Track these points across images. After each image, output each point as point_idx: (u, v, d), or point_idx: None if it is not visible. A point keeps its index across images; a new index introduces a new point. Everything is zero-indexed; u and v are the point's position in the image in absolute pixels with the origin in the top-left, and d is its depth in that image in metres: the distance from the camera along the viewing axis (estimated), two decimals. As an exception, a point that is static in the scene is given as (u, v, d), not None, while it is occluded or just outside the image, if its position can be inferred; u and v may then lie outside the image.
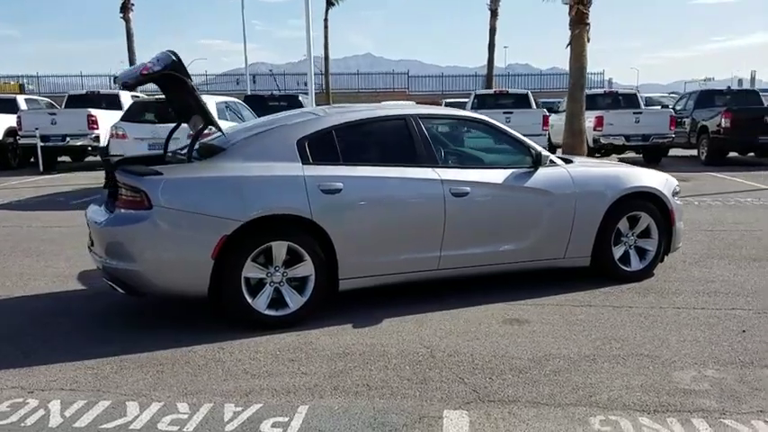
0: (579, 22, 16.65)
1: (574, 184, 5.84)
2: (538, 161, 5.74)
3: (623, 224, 6.10)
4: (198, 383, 4.03)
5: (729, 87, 20.34)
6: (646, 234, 6.23)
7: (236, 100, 13.33)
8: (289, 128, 5.21)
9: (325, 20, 38.17)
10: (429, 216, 5.33)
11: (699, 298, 5.68)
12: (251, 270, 4.85)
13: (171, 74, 4.79)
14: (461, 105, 18.96)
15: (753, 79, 64.81)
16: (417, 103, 18.97)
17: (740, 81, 72.75)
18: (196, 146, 6.03)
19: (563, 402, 3.74)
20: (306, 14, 17.75)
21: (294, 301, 4.98)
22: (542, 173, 5.75)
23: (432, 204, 5.32)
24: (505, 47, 79.34)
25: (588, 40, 16.76)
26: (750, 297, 5.69)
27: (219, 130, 5.02)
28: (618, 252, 6.12)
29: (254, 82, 44.84)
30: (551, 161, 5.85)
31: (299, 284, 5.02)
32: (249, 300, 4.85)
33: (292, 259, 4.97)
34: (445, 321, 5.10)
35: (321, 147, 5.13)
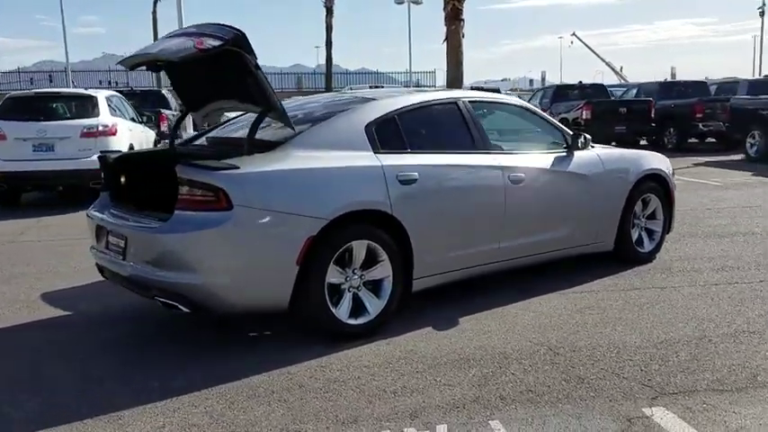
0: (455, 18, 17.03)
1: (603, 167, 5.79)
2: (575, 145, 5.62)
3: (638, 206, 6.16)
4: (345, 409, 3.41)
5: (581, 82, 21.80)
6: (652, 216, 6.34)
7: (116, 93, 11.98)
8: (354, 112, 4.62)
9: (154, 12, 35.93)
10: (493, 205, 5.01)
11: (723, 273, 5.85)
12: (333, 275, 4.23)
13: (231, 50, 4.02)
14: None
15: (543, 79, 70.49)
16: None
17: (531, 81, 78.93)
18: (203, 140, 5.27)
19: (741, 386, 3.60)
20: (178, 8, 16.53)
21: (373, 306, 4.42)
22: (579, 156, 5.64)
23: (495, 193, 5.00)
24: (317, 47, 79.52)
25: (463, 36, 17.18)
26: (763, 269, 5.96)
27: (287, 120, 4.28)
28: (634, 235, 6.16)
29: (51, 81, 41.61)
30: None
31: (372, 288, 4.48)
32: (333, 309, 4.23)
33: (367, 260, 4.41)
34: (522, 316, 4.80)
35: (387, 133, 4.61)
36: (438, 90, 5.57)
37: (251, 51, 4.08)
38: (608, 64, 76.21)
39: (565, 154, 5.58)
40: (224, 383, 3.72)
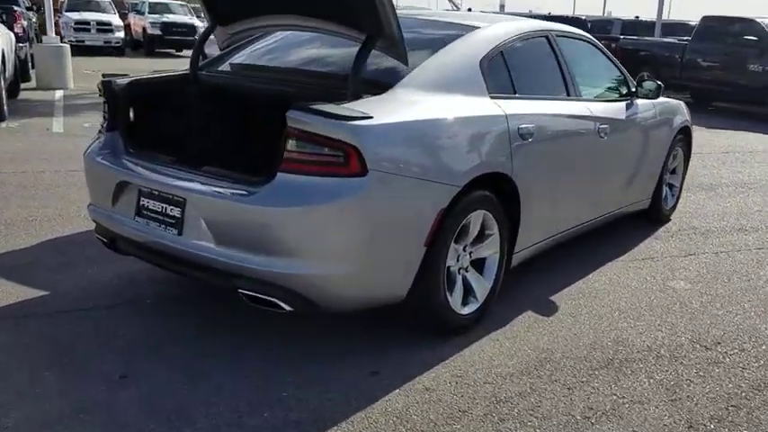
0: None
1: (657, 116, 5.20)
2: (640, 91, 4.96)
3: (670, 160, 5.69)
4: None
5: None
6: (673, 170, 5.92)
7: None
8: (463, 43, 3.58)
9: None
10: (586, 162, 4.28)
11: (751, 235, 5.60)
12: (451, 256, 3.32)
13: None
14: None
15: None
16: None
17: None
18: (226, 66, 4.01)
19: None
20: None
21: (480, 290, 3.57)
22: (641, 105, 5.00)
23: (590, 147, 4.28)
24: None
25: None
26: (786, 229, 5.81)
27: (403, 52, 3.14)
28: (664, 190, 5.72)
29: None
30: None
31: (477, 268, 3.61)
32: (450, 297, 3.33)
33: (477, 235, 3.53)
34: (616, 294, 4.18)
35: (497, 72, 3.65)
36: (517, 18, 4.62)
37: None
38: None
39: (630, 101, 4.91)
40: (360, 410, 2.75)
